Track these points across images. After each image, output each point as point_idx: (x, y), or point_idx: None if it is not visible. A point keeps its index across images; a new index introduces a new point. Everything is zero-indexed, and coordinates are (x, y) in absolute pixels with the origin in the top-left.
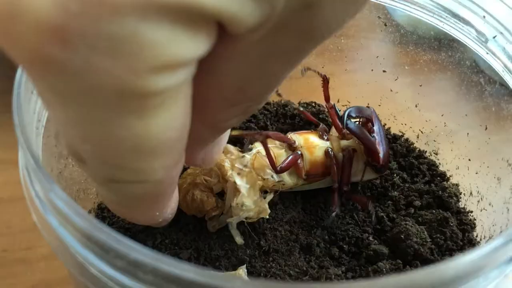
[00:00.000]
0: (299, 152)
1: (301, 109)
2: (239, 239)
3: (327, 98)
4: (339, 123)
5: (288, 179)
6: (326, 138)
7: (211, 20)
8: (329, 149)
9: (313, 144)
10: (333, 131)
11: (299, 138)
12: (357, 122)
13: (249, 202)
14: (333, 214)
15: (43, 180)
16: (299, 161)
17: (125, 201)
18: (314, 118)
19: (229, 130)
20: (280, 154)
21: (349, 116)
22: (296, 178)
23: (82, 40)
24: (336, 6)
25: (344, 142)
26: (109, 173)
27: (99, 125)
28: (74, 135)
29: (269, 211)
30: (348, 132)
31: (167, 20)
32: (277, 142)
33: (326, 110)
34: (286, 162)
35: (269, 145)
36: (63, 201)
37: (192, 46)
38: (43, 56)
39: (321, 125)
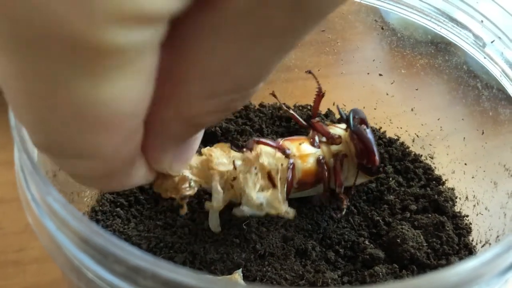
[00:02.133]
0: (291, 161)
1: (291, 111)
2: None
3: (315, 112)
4: (328, 132)
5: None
6: (317, 144)
7: None
8: (321, 157)
9: (305, 152)
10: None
11: (291, 146)
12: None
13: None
14: (343, 213)
15: (40, 183)
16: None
17: (80, 177)
18: (302, 122)
19: (202, 134)
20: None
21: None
22: (285, 186)
23: None
24: None
25: (334, 147)
26: (53, 146)
27: (44, 81)
28: (18, 100)
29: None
30: (336, 136)
31: None
32: (268, 149)
33: (320, 113)
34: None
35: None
36: (61, 205)
37: None
38: None
39: (310, 132)
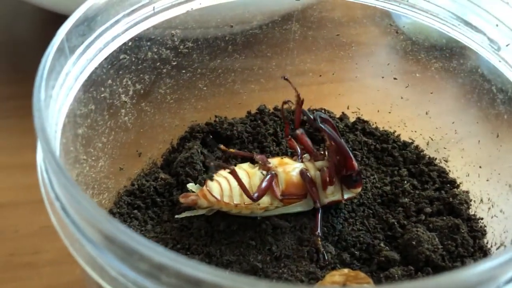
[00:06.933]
0: (273, 172)
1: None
2: None
3: (297, 122)
4: (312, 148)
5: (264, 199)
6: (300, 160)
7: None
8: (304, 169)
9: (287, 164)
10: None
11: (273, 160)
12: None
13: None
14: (318, 238)
15: (65, 182)
16: (274, 181)
17: None
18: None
19: None
20: (253, 173)
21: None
22: (271, 198)
23: None
24: None
25: (318, 163)
26: None
27: None
28: None
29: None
30: (320, 153)
31: None
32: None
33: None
34: (262, 188)
35: (241, 164)
36: (86, 203)
37: None
38: None
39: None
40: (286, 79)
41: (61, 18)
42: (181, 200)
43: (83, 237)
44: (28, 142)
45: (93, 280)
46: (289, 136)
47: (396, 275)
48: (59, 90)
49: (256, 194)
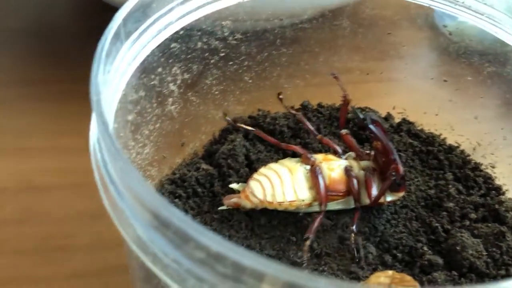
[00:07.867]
0: (319, 168)
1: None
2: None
3: (342, 122)
4: (357, 147)
5: (308, 194)
6: (344, 157)
7: None
8: (349, 167)
9: (332, 160)
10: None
11: (317, 156)
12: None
13: None
14: (352, 234)
15: (123, 166)
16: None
17: None
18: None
19: None
20: (296, 168)
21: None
22: (315, 193)
23: None
24: None
25: (363, 163)
26: None
27: None
28: None
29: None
30: (365, 152)
31: None
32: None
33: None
34: (322, 193)
35: (282, 160)
36: (144, 188)
37: None
38: None
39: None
40: (335, 77)
41: (97, 4)
42: (224, 202)
43: (137, 222)
44: (62, 126)
45: (139, 266)
46: (320, 135)
47: (439, 280)
48: (114, 74)
49: (322, 206)
